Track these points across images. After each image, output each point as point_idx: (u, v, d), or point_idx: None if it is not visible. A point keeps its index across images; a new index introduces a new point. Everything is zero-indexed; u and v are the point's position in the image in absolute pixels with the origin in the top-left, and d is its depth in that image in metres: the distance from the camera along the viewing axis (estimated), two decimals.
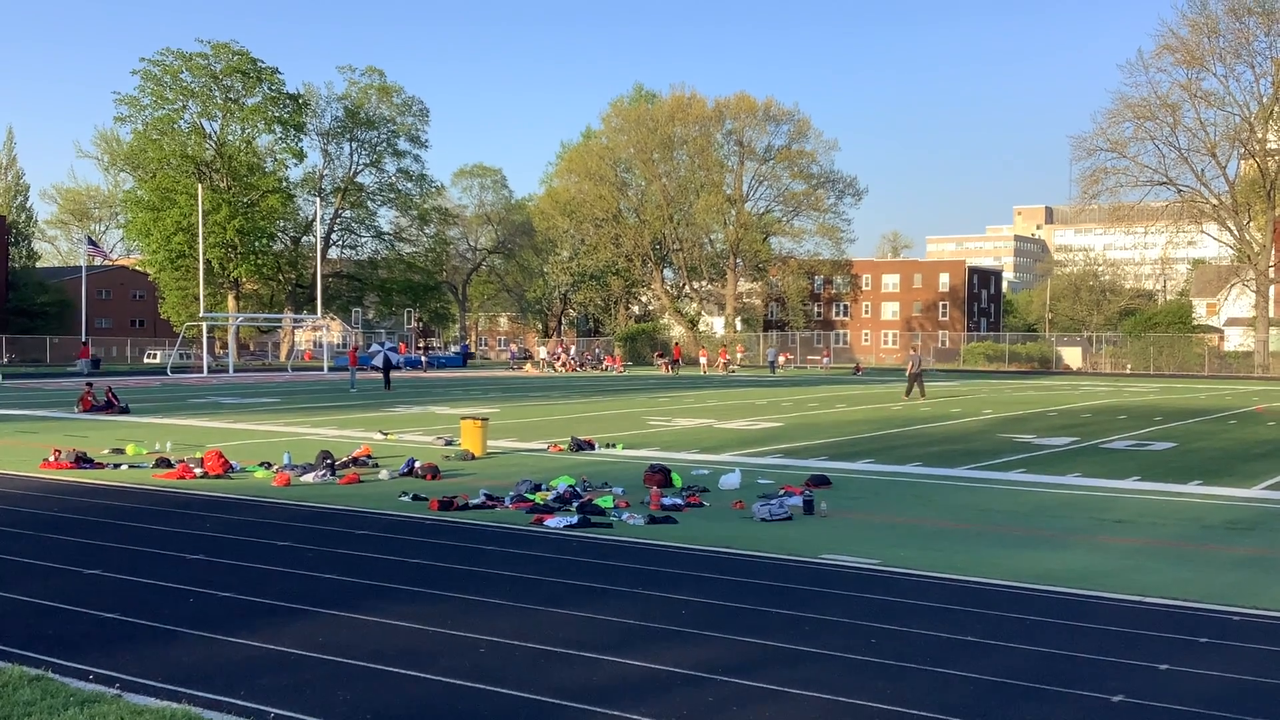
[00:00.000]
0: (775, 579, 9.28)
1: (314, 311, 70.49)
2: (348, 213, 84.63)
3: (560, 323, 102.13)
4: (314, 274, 69.74)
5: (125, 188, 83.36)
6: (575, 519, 11.92)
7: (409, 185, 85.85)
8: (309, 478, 15.25)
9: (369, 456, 17.02)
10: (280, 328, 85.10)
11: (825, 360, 78.76)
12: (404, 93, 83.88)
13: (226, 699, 6.06)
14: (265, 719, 5.80)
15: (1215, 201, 66.17)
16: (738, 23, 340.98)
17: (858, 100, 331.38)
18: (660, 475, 14.49)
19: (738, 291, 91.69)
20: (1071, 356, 75.09)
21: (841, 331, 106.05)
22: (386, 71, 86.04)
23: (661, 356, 68.84)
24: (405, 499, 13.54)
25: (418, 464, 15.99)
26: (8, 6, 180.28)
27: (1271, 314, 69.53)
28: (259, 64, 75.01)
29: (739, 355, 76.03)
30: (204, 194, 64.43)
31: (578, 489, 13.89)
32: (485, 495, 13.36)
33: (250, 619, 7.83)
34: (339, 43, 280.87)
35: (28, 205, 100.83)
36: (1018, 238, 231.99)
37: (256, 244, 74.70)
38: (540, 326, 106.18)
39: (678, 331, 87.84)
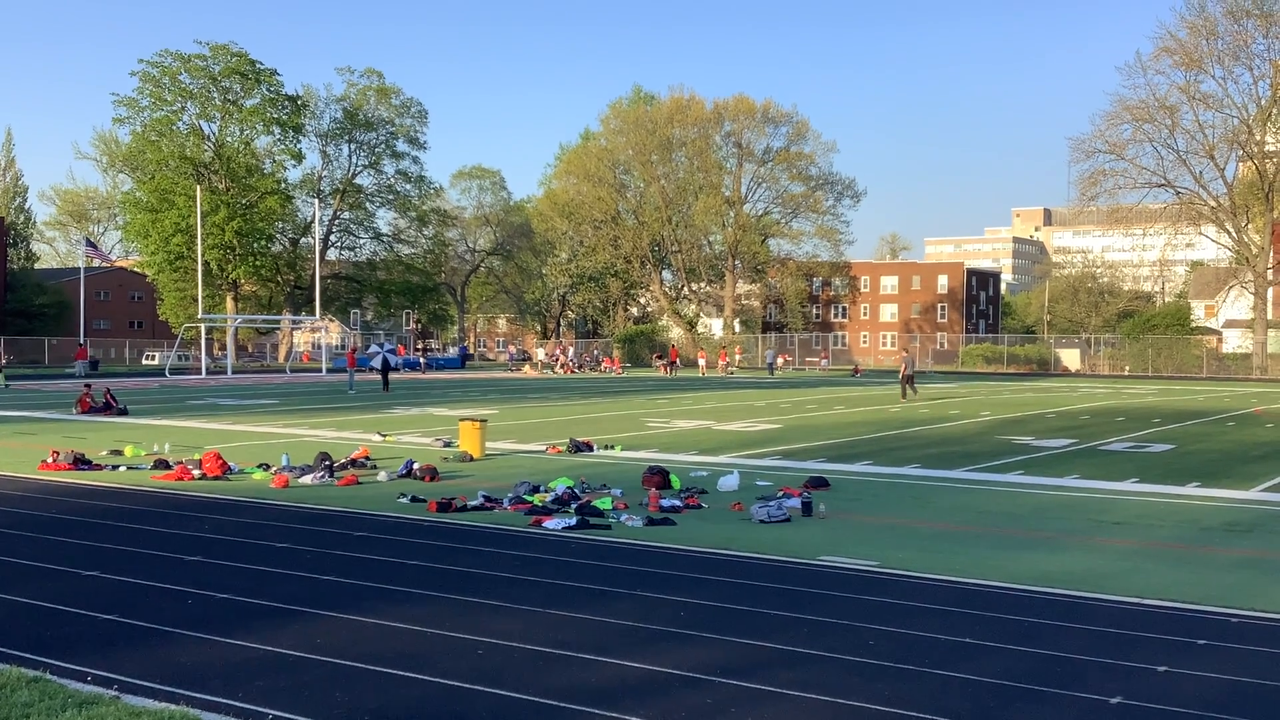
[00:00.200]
0: (773, 581, 9.28)
1: (312, 313, 70.48)
2: (346, 214, 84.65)
3: (559, 324, 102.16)
4: (312, 275, 69.76)
5: (124, 189, 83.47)
6: (574, 520, 11.92)
7: (408, 187, 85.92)
8: (307, 479, 15.24)
9: (367, 458, 17.01)
10: (279, 329, 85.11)
11: (823, 362, 78.77)
12: (403, 94, 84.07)
13: (225, 700, 6.06)
14: None
15: (1214, 203, 66.24)
16: (737, 25, 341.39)
17: (857, 102, 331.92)
18: (659, 477, 14.49)
19: (736, 293, 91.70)
20: (1070, 358, 75.11)
21: (840, 333, 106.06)
22: (385, 73, 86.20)
23: (660, 358, 68.84)
24: (403, 500, 13.53)
25: (416, 465, 15.98)
26: (7, 7, 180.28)
27: (1270, 316, 69.58)
28: (258, 65, 75.05)
29: (737, 357, 76.03)
30: (202, 195, 64.41)
31: (576, 491, 13.89)
32: (484, 497, 13.36)
33: (248, 620, 7.83)
34: (338, 44, 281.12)
35: (26, 206, 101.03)
36: (1016, 239, 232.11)
37: (255, 245, 74.72)
38: (539, 328, 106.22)
39: (676, 333, 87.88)
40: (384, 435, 22.05)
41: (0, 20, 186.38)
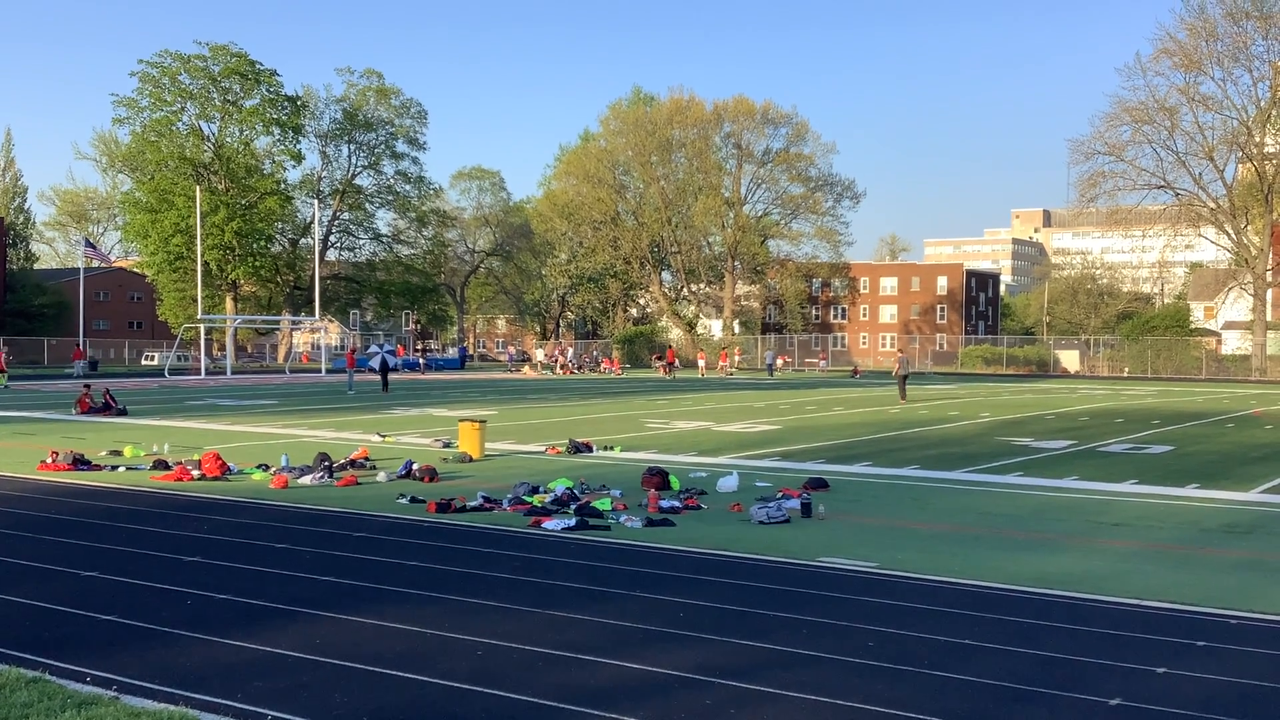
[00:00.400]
0: (773, 582, 9.28)
1: (312, 313, 70.47)
2: (346, 215, 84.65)
3: (558, 325, 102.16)
4: (312, 276, 69.76)
5: (123, 189, 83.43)
6: (573, 521, 11.92)
7: (407, 187, 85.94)
8: (307, 480, 15.24)
9: (367, 458, 17.00)
10: (278, 330, 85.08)
11: (822, 363, 78.77)
12: (402, 95, 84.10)
13: (224, 701, 6.06)
14: None
15: (1213, 205, 66.24)
16: (736, 26, 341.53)
17: (856, 103, 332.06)
18: (658, 478, 14.49)
19: (736, 294, 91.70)
20: (1069, 360, 75.11)
21: (839, 334, 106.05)
22: (385, 73, 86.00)
23: (659, 359, 68.84)
24: (403, 501, 13.53)
25: (415, 466, 15.98)
26: (7, 7, 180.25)
27: (1269, 318, 69.58)
28: (257, 66, 75.06)
29: (737, 358, 76.03)
30: (202, 196, 64.41)
31: (575, 491, 13.89)
32: (483, 497, 13.35)
33: (247, 621, 7.82)
34: (338, 45, 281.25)
35: (26, 207, 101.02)
36: (1015, 241, 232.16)
37: (254, 246, 74.72)
38: (538, 329, 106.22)
39: (676, 334, 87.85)
40: (383, 436, 22.05)
41: (0, 20, 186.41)
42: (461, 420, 19.07)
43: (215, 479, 15.48)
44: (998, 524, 12.55)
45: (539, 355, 78.51)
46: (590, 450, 19.45)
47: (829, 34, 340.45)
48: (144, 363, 76.99)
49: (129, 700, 6.01)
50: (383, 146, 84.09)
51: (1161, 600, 8.72)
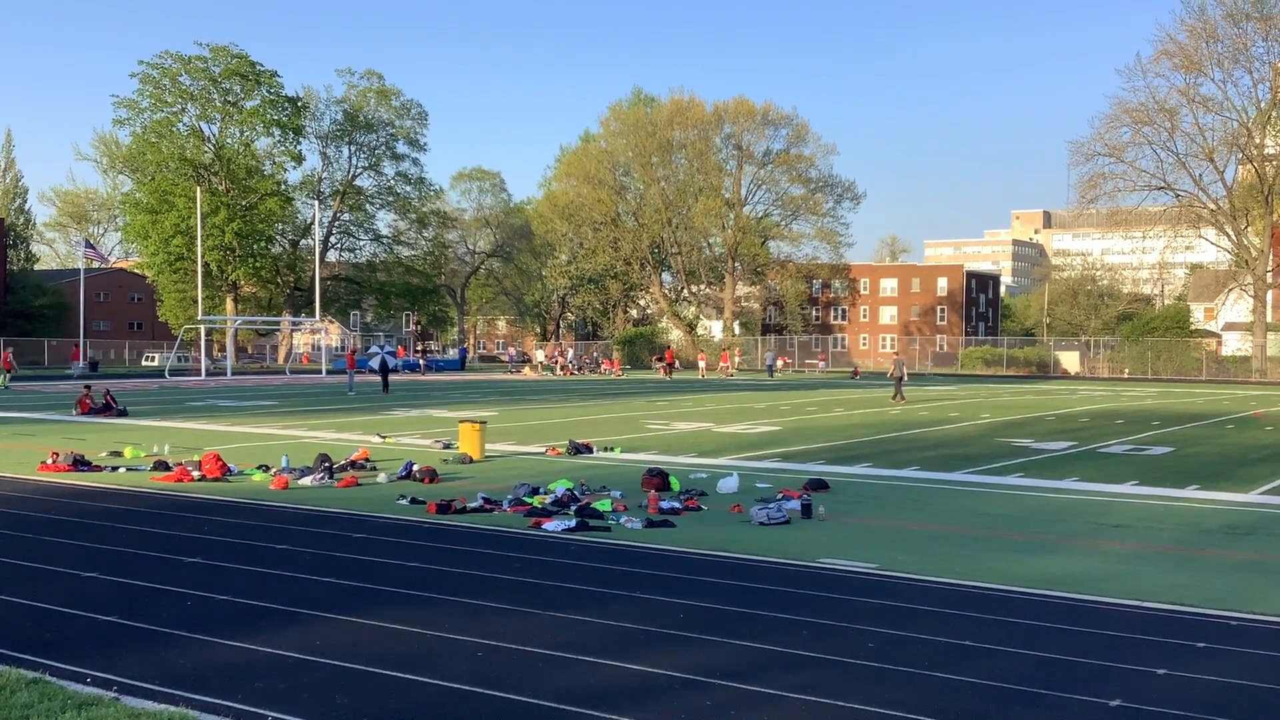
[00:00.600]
0: (773, 583, 9.28)
1: (312, 314, 70.46)
2: (346, 216, 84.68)
3: (559, 326, 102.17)
4: (312, 277, 69.74)
5: (124, 190, 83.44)
6: (573, 522, 11.92)
7: (407, 188, 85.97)
8: (307, 481, 15.24)
9: (367, 459, 17.01)
10: (278, 331, 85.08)
11: (822, 364, 78.77)
12: (403, 96, 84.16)
13: (224, 702, 6.06)
14: None
15: (1213, 206, 66.24)
16: (737, 27, 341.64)
17: (856, 104, 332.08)
18: (658, 479, 14.49)
19: (736, 295, 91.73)
20: (1069, 361, 75.13)
21: (839, 335, 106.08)
22: (385, 74, 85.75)
23: (660, 360, 68.84)
24: (403, 502, 13.53)
25: (416, 467, 15.98)
26: (7, 7, 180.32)
27: (1269, 319, 69.58)
28: (258, 67, 75.08)
29: (737, 359, 76.04)
30: (202, 197, 64.41)
31: (576, 492, 13.89)
32: (483, 498, 13.35)
33: (248, 622, 7.82)
34: (338, 46, 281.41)
35: (26, 208, 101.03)
36: (1016, 242, 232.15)
37: (255, 247, 74.74)
38: (538, 330, 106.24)
39: (676, 335, 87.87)
40: (384, 437, 22.05)
41: (0, 20, 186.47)
42: (462, 421, 19.08)
43: (215, 480, 15.48)
44: (998, 525, 12.55)
45: (539, 356, 78.51)
46: (590, 451, 19.45)
47: (829, 35, 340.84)
48: (144, 364, 76.97)
49: (129, 701, 6.01)
50: (383, 147, 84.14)
51: (1162, 601, 8.72)
